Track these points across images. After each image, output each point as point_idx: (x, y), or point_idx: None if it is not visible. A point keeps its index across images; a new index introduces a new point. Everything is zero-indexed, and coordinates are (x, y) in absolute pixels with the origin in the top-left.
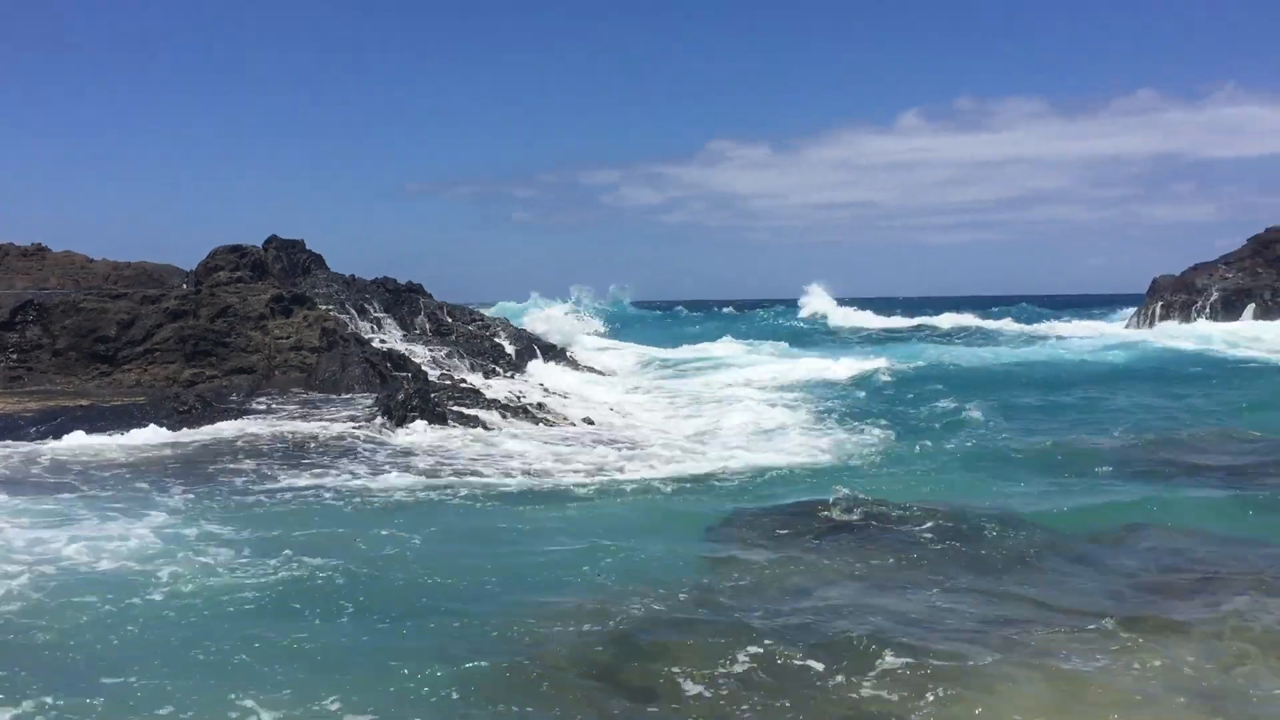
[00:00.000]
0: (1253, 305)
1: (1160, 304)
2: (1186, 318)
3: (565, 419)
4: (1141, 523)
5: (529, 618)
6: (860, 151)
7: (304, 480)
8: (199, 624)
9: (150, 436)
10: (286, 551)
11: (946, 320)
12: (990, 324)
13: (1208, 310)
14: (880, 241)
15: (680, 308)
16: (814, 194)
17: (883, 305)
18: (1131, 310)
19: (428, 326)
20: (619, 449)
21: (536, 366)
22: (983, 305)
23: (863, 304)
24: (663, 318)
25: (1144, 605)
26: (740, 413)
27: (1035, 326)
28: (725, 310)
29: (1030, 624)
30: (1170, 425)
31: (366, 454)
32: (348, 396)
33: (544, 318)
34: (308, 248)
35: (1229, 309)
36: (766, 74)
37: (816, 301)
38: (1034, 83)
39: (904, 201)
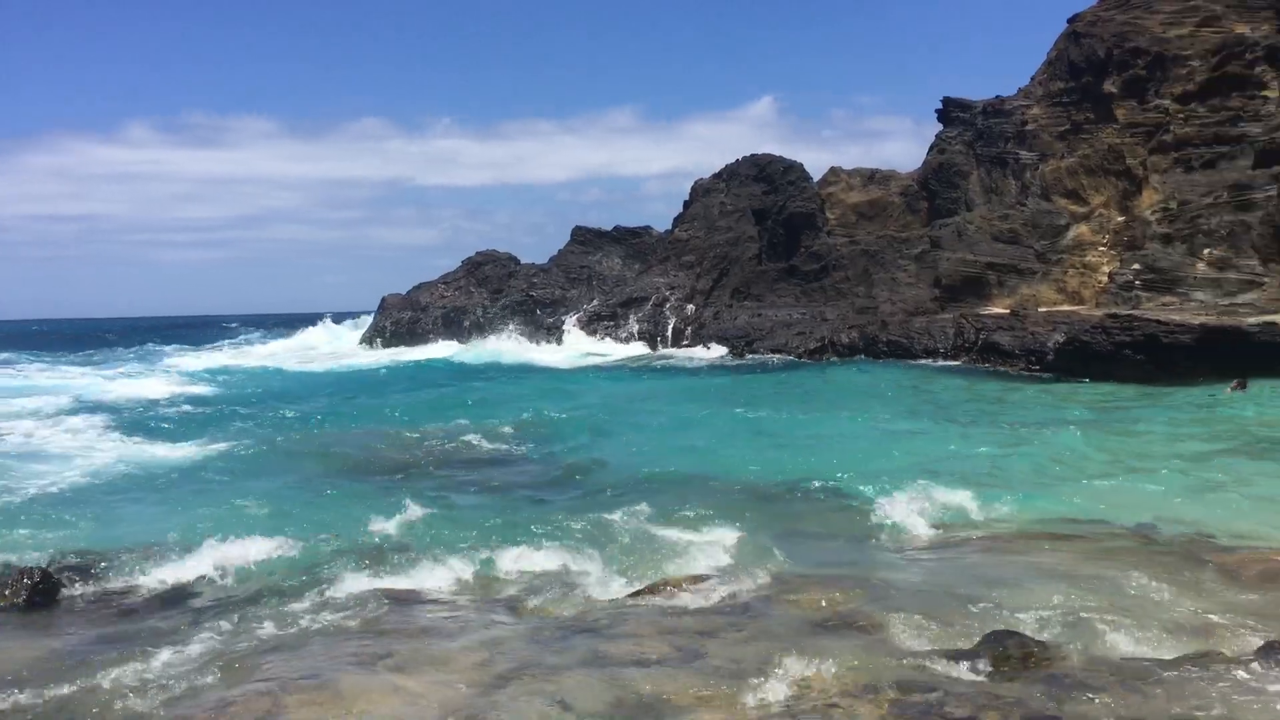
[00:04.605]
0: (468, 321)
1: (391, 321)
2: (414, 331)
3: None
4: None
5: None
6: (83, 160)
7: None
8: None
9: None
10: None
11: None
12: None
13: (432, 325)
14: (109, 257)
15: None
16: (33, 204)
17: (115, 326)
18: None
19: None
20: None
21: None
22: (218, 324)
23: (101, 325)
24: None
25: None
26: None
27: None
28: None
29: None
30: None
31: None
32: None
33: None
34: None
35: (449, 324)
36: None
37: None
38: (267, 103)
39: (135, 216)
